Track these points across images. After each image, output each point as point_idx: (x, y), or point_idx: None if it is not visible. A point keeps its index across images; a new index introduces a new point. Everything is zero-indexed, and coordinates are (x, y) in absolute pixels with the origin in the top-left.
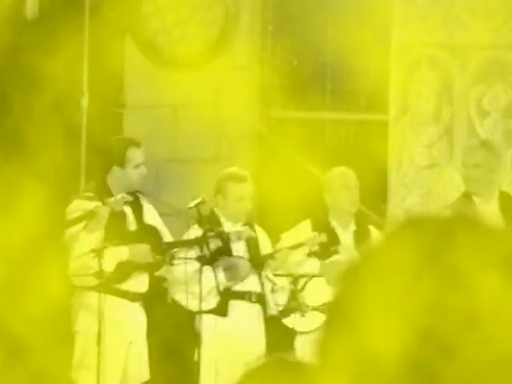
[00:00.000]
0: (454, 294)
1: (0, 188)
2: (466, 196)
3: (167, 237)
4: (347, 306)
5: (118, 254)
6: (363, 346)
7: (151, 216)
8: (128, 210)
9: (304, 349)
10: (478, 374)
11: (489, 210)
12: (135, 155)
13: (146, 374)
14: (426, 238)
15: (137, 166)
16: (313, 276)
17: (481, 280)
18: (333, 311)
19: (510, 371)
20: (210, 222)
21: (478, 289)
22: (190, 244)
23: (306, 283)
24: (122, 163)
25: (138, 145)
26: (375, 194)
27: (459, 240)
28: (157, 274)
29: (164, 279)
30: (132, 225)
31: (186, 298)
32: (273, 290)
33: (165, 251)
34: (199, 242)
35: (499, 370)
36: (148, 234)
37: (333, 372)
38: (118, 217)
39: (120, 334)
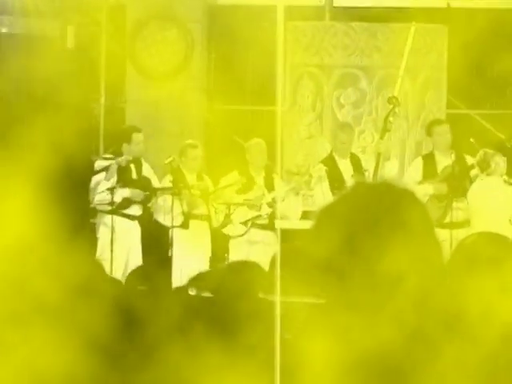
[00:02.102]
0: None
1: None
2: (331, 155)
3: (156, 182)
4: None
5: (123, 192)
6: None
7: (146, 170)
8: (132, 166)
9: (234, 247)
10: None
11: (345, 163)
12: (137, 137)
13: (139, 261)
14: (363, 199)
15: (138, 143)
16: (238, 204)
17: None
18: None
19: (494, 369)
20: (177, 173)
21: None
22: (166, 188)
23: (234, 209)
24: (129, 142)
25: (139, 131)
26: (276, 155)
27: (385, 200)
28: (148, 204)
29: (151, 207)
30: (134, 175)
31: (163, 218)
32: (215, 212)
33: (153, 191)
34: (173, 185)
35: (484, 368)
36: (143, 181)
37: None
38: (126, 170)
39: (124, 241)
